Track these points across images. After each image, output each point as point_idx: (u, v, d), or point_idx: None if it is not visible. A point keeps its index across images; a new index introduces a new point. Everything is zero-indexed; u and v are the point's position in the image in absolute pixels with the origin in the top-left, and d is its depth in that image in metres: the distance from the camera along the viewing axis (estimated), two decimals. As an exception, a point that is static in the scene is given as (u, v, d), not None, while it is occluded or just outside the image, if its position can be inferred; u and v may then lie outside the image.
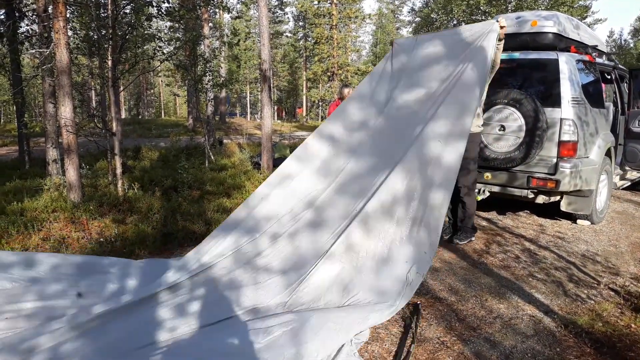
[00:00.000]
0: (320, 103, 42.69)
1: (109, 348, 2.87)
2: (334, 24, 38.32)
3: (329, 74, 38.56)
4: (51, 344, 2.82)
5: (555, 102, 5.54)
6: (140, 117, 45.11)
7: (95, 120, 7.57)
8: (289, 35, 49.23)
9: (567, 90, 5.51)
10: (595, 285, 4.15)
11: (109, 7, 6.84)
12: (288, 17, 47.93)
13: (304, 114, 46.50)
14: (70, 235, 5.16)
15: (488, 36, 4.31)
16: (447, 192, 3.75)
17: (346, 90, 7.54)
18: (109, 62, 6.88)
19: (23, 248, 4.75)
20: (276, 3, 40.66)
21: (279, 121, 42.22)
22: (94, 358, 2.77)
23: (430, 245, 3.55)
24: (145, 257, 4.83)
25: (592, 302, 3.79)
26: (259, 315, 3.27)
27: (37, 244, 4.88)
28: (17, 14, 9.20)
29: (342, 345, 2.90)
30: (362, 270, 3.60)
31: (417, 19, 31.98)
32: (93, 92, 21.29)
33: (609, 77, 7.00)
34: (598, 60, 6.54)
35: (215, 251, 4.09)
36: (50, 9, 7.16)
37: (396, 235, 3.70)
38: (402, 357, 2.94)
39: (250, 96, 49.58)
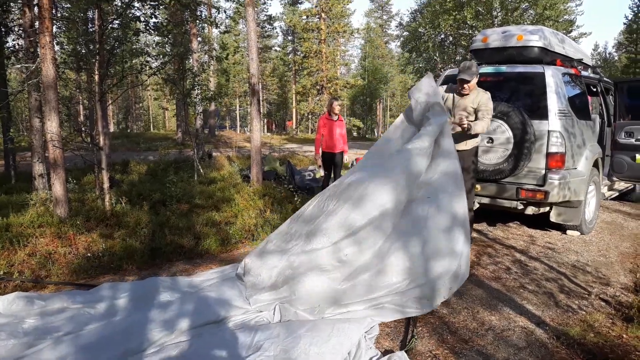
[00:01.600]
0: (309, 116, 42.81)
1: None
2: (322, 38, 38.60)
3: (318, 87, 38.76)
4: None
5: (543, 114, 5.59)
6: (129, 130, 44.86)
7: (83, 135, 7.49)
8: (278, 49, 49.43)
9: (554, 102, 5.57)
10: (586, 295, 4.16)
11: (97, 22, 6.83)
12: (277, 32, 48.18)
13: (294, 126, 46.59)
14: (56, 250, 5.07)
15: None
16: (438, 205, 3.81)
17: (335, 103, 7.59)
18: (96, 77, 6.84)
19: (8, 264, 4.67)
20: (264, 18, 40.73)
21: (268, 134, 42.23)
22: None
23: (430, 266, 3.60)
24: (133, 272, 4.77)
25: (584, 312, 3.79)
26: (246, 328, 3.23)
27: (22, 260, 4.79)
28: (3, 29, 9.16)
29: (359, 341, 3.06)
30: (354, 284, 3.59)
31: (405, 33, 32.26)
32: (81, 106, 21.17)
33: (594, 89, 7.10)
34: (583, 73, 6.62)
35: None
36: (36, 24, 7.13)
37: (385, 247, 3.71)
38: (408, 340, 3.23)
39: (239, 109, 49.58)
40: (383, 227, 3.75)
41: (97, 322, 3.31)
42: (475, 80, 5.02)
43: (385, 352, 3.07)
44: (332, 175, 7.78)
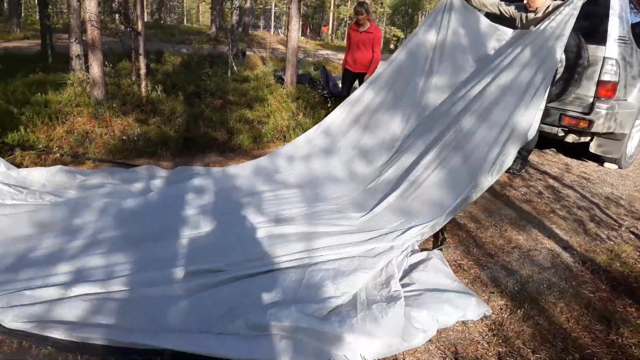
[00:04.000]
0: (348, 21, 41.22)
1: (138, 234, 2.99)
2: (369, -63, 36.18)
3: (359, -10, 36.91)
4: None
5: (601, 39, 5.23)
6: (162, 22, 44.02)
7: (121, 17, 7.33)
8: (321, -54, 46.68)
9: (615, 27, 5.19)
10: (617, 227, 4.11)
11: None
12: None
13: (330, 32, 45.07)
14: (93, 130, 5.17)
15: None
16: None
17: (358, 9, 6.57)
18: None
19: (48, 138, 4.79)
20: None
21: (303, 38, 41.01)
22: (126, 244, 2.85)
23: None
24: (168, 159, 4.87)
25: (612, 242, 3.77)
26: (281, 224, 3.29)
27: (61, 136, 4.91)
28: None
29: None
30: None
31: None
32: (116, -10, 20.67)
33: (661, 16, 6.58)
34: (653, -3, 6.11)
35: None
36: None
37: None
38: (439, 242, 3.39)
39: (275, 9, 47.90)
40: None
41: (134, 198, 3.42)
42: None
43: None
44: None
